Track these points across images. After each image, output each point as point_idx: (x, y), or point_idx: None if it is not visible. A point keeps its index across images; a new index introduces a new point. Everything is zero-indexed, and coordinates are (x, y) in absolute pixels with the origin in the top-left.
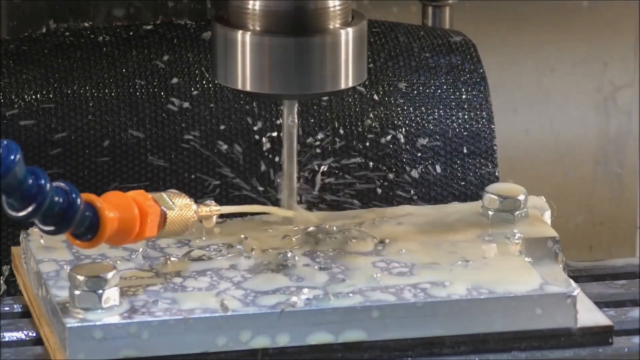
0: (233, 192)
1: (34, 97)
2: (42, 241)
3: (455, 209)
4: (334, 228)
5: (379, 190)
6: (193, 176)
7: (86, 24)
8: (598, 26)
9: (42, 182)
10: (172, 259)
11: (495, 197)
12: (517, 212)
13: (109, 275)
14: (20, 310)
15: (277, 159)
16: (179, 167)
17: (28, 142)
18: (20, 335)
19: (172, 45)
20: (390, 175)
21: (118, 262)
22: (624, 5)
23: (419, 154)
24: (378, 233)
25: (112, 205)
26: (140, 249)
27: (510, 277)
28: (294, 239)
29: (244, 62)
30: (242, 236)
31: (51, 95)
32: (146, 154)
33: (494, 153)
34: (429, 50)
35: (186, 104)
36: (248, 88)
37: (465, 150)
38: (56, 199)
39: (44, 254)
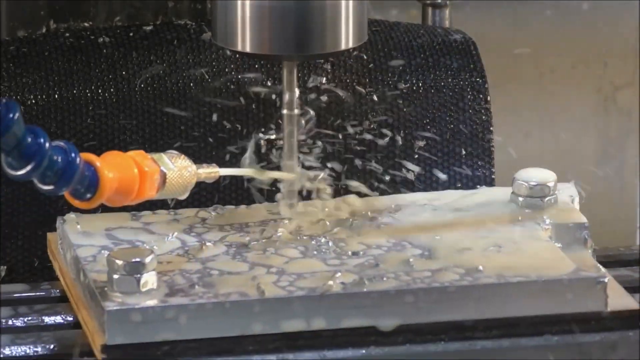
0: (234, 193)
1: (33, 100)
2: (78, 227)
3: (485, 194)
4: (368, 214)
5: (377, 193)
6: None
7: (86, 25)
8: (598, 26)
9: (41, 140)
10: (208, 243)
11: (525, 183)
12: (547, 198)
13: (147, 259)
14: (58, 294)
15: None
16: None
17: None
18: (58, 319)
19: (172, 46)
20: (387, 177)
21: (155, 247)
22: (624, 5)
23: (417, 155)
24: (411, 219)
25: (112, 165)
26: (175, 233)
27: (541, 262)
28: (327, 223)
29: (244, 24)
30: (276, 221)
31: (51, 99)
32: None
33: (491, 154)
34: (429, 48)
35: (186, 106)
36: (248, 49)
37: (463, 152)
38: (55, 157)
39: (81, 239)
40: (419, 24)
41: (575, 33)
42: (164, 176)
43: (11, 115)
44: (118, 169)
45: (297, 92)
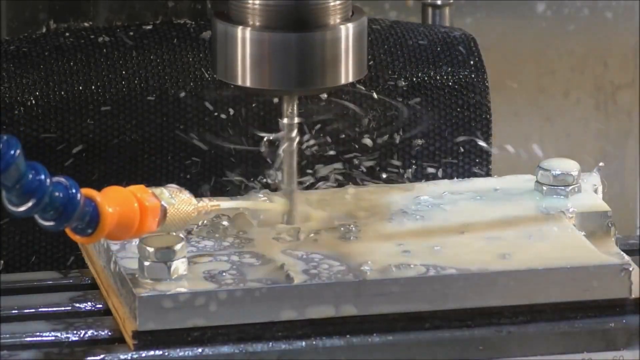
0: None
1: (33, 100)
2: None
3: (509, 183)
4: (389, 203)
5: None
6: (188, 176)
7: (86, 25)
8: (598, 26)
9: (42, 177)
10: (235, 230)
11: (549, 172)
12: (571, 187)
13: (178, 246)
14: (88, 282)
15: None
16: (177, 168)
17: (27, 147)
18: (88, 306)
19: (172, 45)
20: (384, 175)
21: (184, 233)
22: (624, 5)
23: (415, 153)
24: (436, 207)
25: (112, 200)
26: (204, 221)
27: (566, 249)
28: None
29: (244, 58)
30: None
31: (51, 99)
32: (143, 156)
33: (489, 151)
34: (429, 45)
35: (186, 105)
36: (248, 84)
37: (461, 149)
38: (56, 194)
39: None
40: (418, 22)
41: (575, 33)
42: (164, 211)
43: (12, 152)
44: (118, 203)
45: (296, 121)
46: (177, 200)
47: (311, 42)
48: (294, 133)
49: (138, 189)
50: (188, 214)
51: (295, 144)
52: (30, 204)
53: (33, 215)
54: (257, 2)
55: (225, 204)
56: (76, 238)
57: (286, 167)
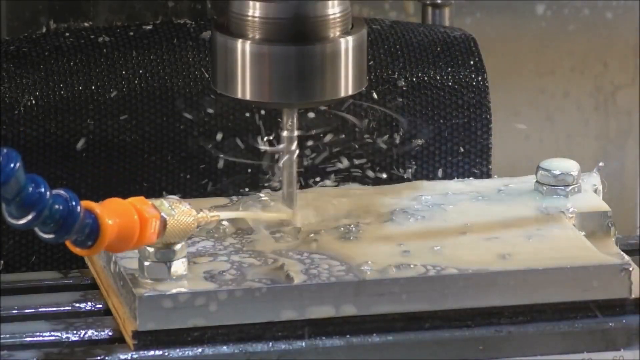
0: (232, 195)
1: (33, 100)
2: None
3: (509, 183)
4: (389, 203)
5: None
6: (188, 176)
7: (86, 25)
8: (598, 26)
9: (42, 190)
10: (233, 230)
11: (549, 172)
12: (571, 187)
13: (178, 246)
14: (88, 282)
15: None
16: (178, 168)
17: (27, 147)
18: (88, 306)
19: (172, 46)
20: (385, 175)
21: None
22: (624, 5)
23: (416, 153)
24: (436, 207)
25: (112, 212)
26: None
27: (566, 249)
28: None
29: (244, 71)
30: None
31: (51, 99)
32: (143, 156)
33: (489, 151)
34: (429, 45)
35: (186, 105)
36: (248, 97)
37: (461, 149)
38: (56, 206)
39: None
40: (418, 22)
41: (575, 33)
42: (164, 222)
43: (12, 165)
44: (118, 215)
45: (296, 134)
46: (176, 211)
47: (311, 55)
48: (294, 146)
49: (137, 201)
50: (188, 225)
51: (295, 156)
52: (30, 216)
53: (33, 228)
54: (257, 14)
55: (225, 214)
56: (76, 250)
57: (286, 180)
